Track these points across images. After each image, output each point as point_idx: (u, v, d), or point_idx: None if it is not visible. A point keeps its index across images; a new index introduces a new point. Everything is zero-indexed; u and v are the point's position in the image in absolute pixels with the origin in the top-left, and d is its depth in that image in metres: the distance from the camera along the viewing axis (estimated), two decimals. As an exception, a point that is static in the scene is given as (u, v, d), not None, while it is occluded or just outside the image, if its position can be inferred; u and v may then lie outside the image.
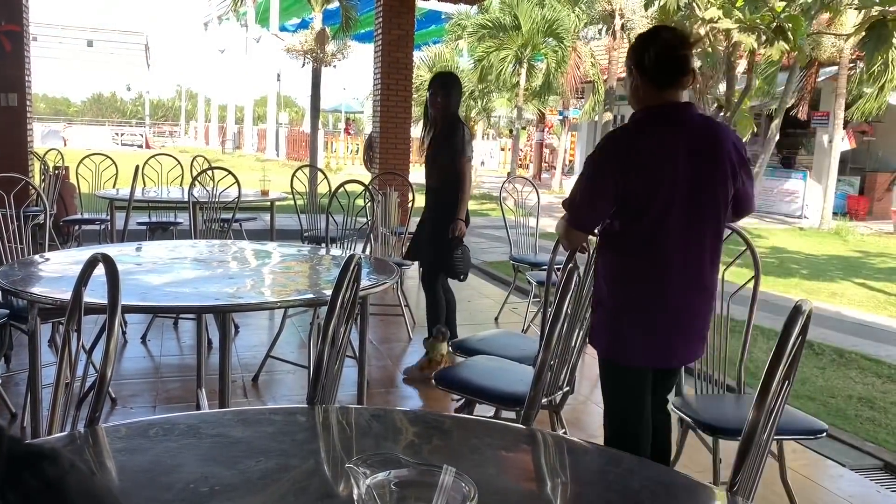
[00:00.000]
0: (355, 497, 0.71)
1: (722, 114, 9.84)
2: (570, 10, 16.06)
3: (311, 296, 2.56)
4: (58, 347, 3.49)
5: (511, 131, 21.66)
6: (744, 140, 11.89)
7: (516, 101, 16.25)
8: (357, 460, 0.72)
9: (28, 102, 7.57)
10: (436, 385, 2.58)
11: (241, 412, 1.56)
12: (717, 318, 2.55)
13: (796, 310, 1.27)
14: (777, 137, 13.45)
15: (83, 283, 1.55)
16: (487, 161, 28.46)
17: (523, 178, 6.31)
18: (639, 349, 2.16)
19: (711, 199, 2.11)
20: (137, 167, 5.24)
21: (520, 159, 19.17)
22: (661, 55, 2.09)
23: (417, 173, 9.73)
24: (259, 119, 37.99)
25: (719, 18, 8.25)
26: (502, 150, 29.46)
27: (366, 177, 8.27)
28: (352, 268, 1.62)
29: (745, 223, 10.62)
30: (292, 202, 6.26)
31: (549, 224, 11.23)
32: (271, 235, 6.49)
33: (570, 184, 20.57)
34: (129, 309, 2.19)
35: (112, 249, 4.17)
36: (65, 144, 28.68)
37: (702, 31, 9.40)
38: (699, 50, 9.97)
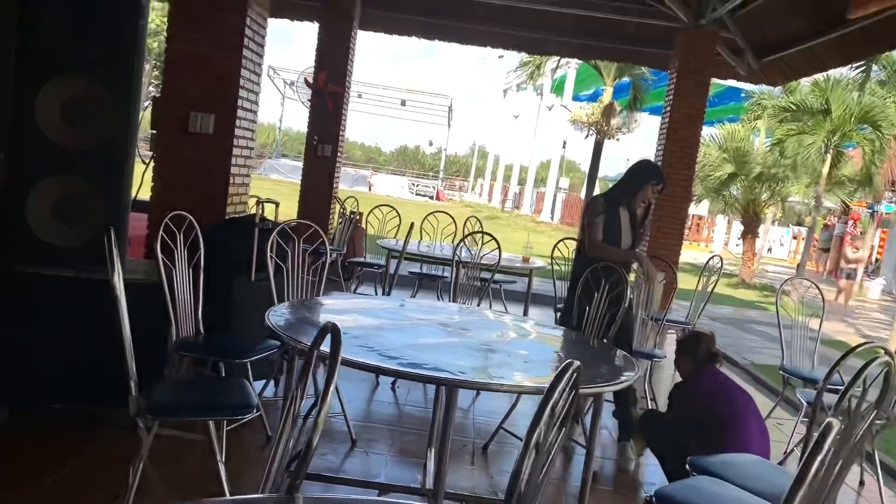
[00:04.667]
0: None
1: None
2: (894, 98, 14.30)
3: (533, 385, 2.47)
4: (317, 385, 3.79)
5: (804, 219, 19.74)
6: None
7: (816, 189, 14.79)
8: None
9: (339, 154, 8.59)
10: (653, 504, 2.34)
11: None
12: None
13: None
14: None
15: (315, 346, 1.63)
16: (776, 249, 26.24)
17: (807, 280, 5.61)
18: None
19: None
20: (412, 224, 5.65)
21: (812, 248, 17.33)
22: None
23: (690, 252, 9.14)
24: (541, 182, 39.17)
25: None
26: (794, 238, 26.96)
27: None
28: (569, 375, 1.51)
29: None
30: (551, 270, 6.24)
31: (838, 329, 9.94)
32: (526, 300, 6.56)
33: (875, 286, 17.98)
34: (360, 366, 2.29)
35: (377, 301, 4.48)
36: (369, 189, 32.11)
37: None
38: None
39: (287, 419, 1.66)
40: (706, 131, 18.34)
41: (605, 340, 3.68)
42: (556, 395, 1.48)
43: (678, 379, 3.80)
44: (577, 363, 1.57)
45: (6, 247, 3.34)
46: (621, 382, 2.43)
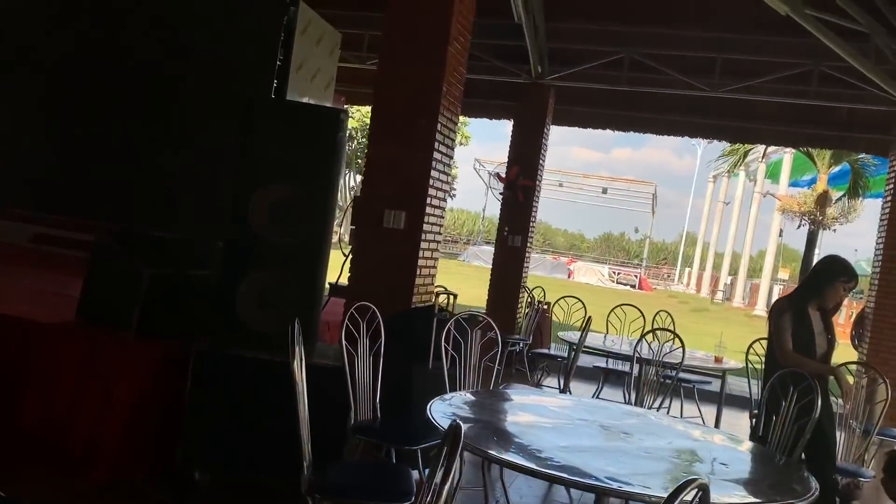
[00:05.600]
0: None
1: None
2: None
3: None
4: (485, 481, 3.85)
5: None
6: None
7: None
8: None
9: (528, 244, 8.77)
10: None
11: None
12: None
13: None
14: None
15: (442, 445, 1.70)
16: None
17: None
18: None
19: None
20: (590, 318, 5.59)
21: None
22: None
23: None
24: (756, 272, 36.66)
25: None
26: None
27: (850, 355, 7.26)
28: (689, 494, 1.46)
29: None
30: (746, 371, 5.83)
31: None
32: (719, 402, 6.17)
33: None
34: (501, 462, 2.32)
35: (546, 397, 4.47)
36: (569, 277, 32.02)
37: None
38: None
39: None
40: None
41: (792, 455, 3.37)
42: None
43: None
44: (702, 481, 1.52)
45: (215, 329, 3.82)
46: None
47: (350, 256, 5.31)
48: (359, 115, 26.10)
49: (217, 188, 4.49)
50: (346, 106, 10.44)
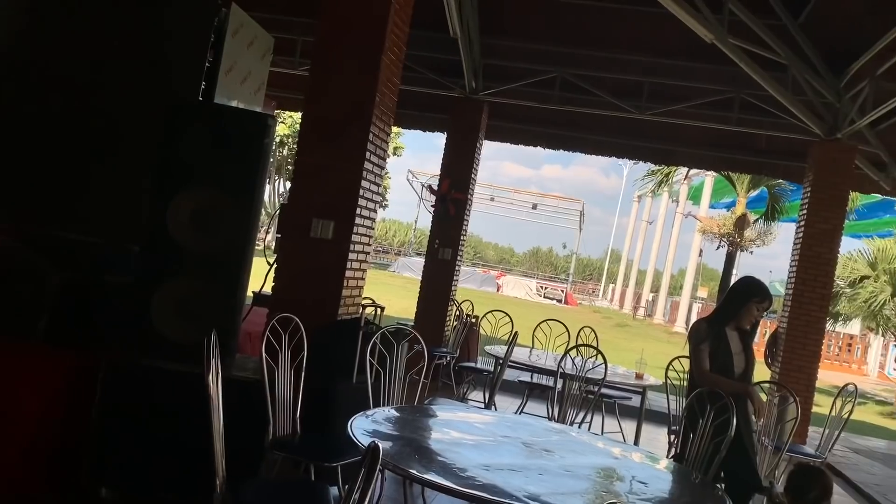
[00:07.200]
0: None
1: None
2: None
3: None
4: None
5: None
6: None
7: None
8: None
9: (459, 258, 8.78)
10: None
11: None
12: None
13: None
14: None
15: (363, 465, 1.65)
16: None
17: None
18: None
19: None
20: (516, 333, 5.63)
21: None
22: None
23: (841, 375, 8.44)
24: (676, 290, 37.85)
25: None
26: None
27: (764, 373, 7.54)
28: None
29: None
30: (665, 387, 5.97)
31: None
32: (639, 418, 6.29)
33: None
34: (428, 483, 2.29)
35: (469, 413, 4.45)
36: (497, 290, 32.30)
37: None
38: None
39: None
40: (854, 245, 17.19)
41: (708, 473, 3.44)
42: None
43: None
44: (621, 501, 1.51)
45: (129, 339, 3.65)
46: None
47: (274, 266, 5.18)
48: (290, 121, 25.71)
49: (138, 191, 4.30)
50: (277, 111, 10.25)
